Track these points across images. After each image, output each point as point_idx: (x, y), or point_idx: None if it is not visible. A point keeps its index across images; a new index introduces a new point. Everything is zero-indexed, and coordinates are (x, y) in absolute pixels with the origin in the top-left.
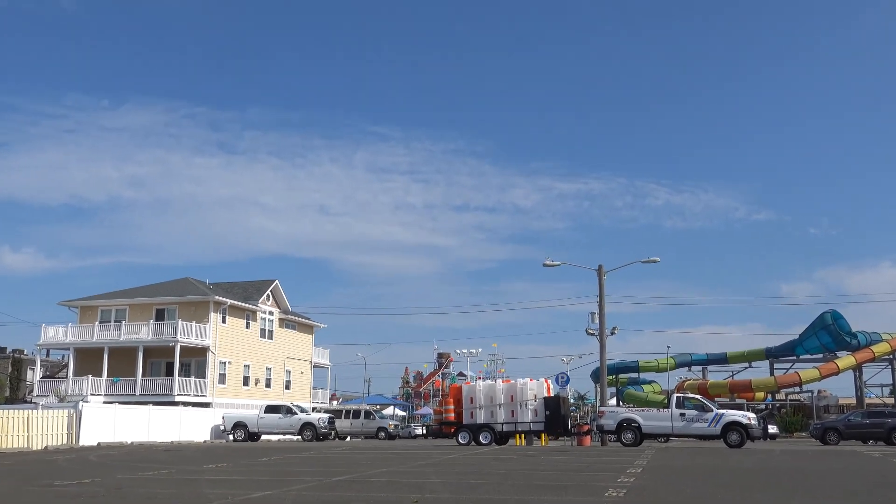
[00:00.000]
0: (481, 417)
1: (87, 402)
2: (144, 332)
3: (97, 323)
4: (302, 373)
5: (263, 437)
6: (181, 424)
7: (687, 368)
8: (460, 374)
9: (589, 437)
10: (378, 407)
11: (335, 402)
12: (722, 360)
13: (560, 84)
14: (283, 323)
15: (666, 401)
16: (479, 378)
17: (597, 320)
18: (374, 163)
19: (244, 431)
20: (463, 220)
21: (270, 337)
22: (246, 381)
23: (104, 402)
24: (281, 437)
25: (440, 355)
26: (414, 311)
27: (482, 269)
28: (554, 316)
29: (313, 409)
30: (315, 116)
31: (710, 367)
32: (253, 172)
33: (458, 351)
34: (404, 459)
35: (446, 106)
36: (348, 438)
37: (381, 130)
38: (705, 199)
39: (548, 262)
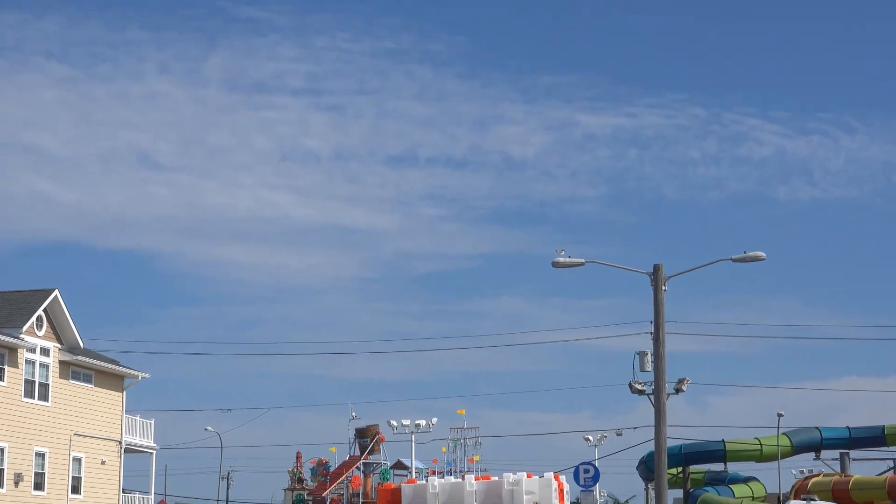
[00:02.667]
0: None
1: None
2: None
3: None
4: (104, 462)
5: None
6: None
7: (814, 455)
8: (398, 464)
9: None
10: None
11: None
12: (876, 439)
13: None
14: (69, 370)
15: None
16: (433, 473)
17: (650, 366)
18: (243, 74)
19: None
20: (407, 183)
21: (44, 396)
22: None
23: None
24: None
25: (362, 431)
26: (315, 351)
27: (442, 272)
28: (571, 358)
29: None
30: None
31: (853, 453)
32: (18, 90)
33: (393, 423)
34: None
35: None
36: None
37: (257, 14)
38: (851, 145)
39: (560, 260)
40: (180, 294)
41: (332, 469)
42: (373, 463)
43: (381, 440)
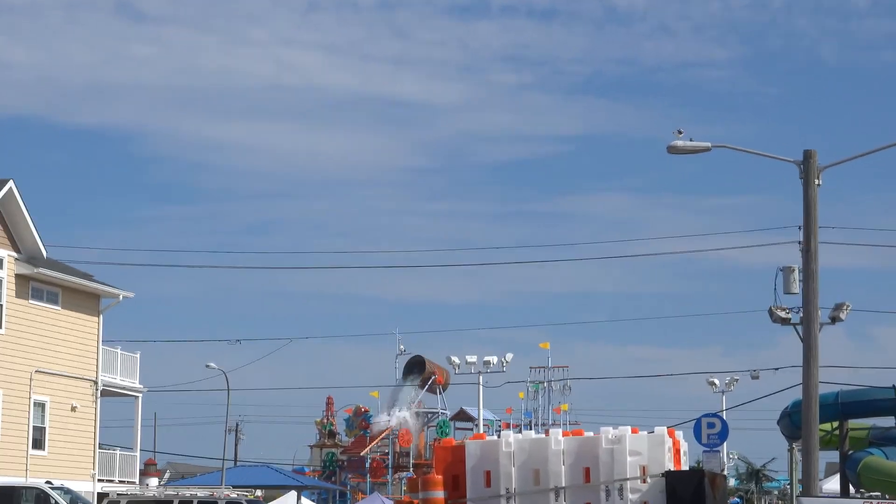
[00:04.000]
0: None
1: None
2: None
3: None
4: (74, 408)
5: None
6: None
7: None
8: (461, 415)
9: None
10: (256, 494)
11: (154, 482)
12: None
13: None
14: (28, 286)
15: None
16: (507, 426)
17: (797, 287)
18: None
19: None
20: (475, 40)
21: None
22: None
23: None
24: None
25: (412, 364)
26: (351, 264)
27: (521, 161)
28: (692, 276)
29: (100, 500)
30: None
31: None
32: None
33: (455, 360)
34: None
35: None
36: None
37: None
38: None
39: (679, 145)
40: (172, 188)
41: (373, 420)
42: (427, 412)
43: (439, 382)
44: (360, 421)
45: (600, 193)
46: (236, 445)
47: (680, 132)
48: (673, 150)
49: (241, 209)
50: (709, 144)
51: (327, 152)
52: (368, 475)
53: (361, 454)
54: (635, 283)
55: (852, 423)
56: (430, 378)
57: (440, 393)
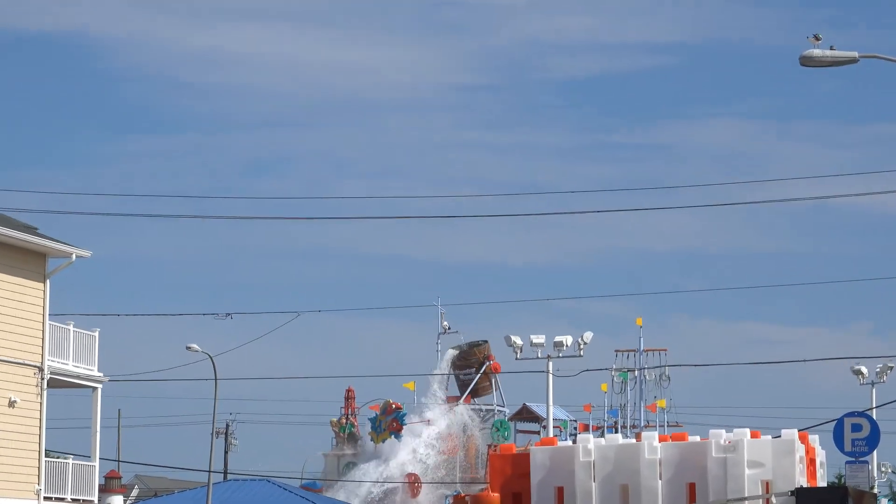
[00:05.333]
0: None
1: None
2: None
3: None
4: (13, 403)
5: None
6: None
7: None
8: (524, 413)
9: None
10: None
11: (118, 501)
12: None
13: None
14: None
15: None
16: (586, 428)
17: None
18: None
19: None
20: None
21: None
22: None
23: None
24: None
25: (461, 354)
26: (379, 214)
27: (606, 77)
28: (831, 227)
29: None
30: None
31: None
32: None
33: (516, 340)
34: None
35: None
36: None
37: None
38: None
39: (815, 54)
40: (144, 112)
41: (406, 420)
42: (480, 409)
43: (495, 369)
44: (391, 421)
45: (708, 120)
46: (226, 453)
47: (817, 38)
48: (807, 61)
49: (237, 142)
50: (855, 54)
51: (348, 65)
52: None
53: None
54: (754, 239)
55: None
56: (484, 364)
57: (496, 384)
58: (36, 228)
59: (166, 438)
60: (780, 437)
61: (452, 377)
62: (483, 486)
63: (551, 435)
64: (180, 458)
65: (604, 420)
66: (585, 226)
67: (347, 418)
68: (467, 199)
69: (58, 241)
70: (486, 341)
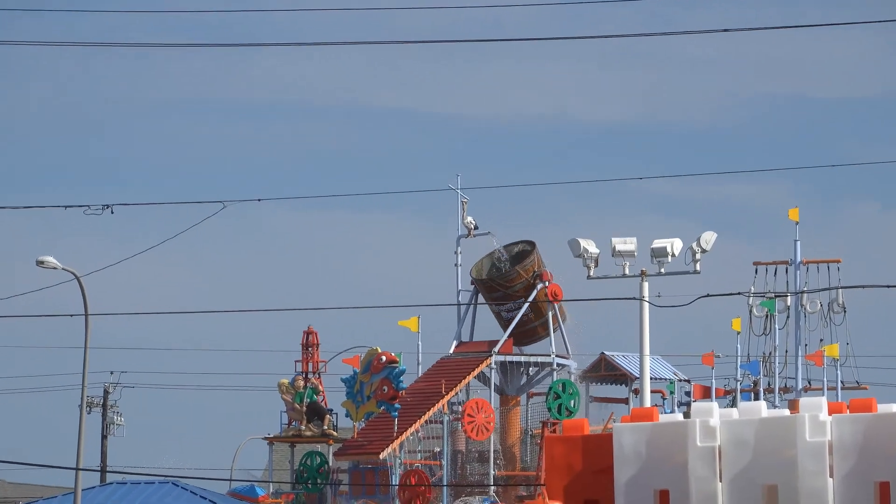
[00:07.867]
0: None
1: None
2: None
3: None
4: None
5: None
6: None
7: None
8: (600, 365)
9: None
10: None
11: None
12: None
13: None
14: None
15: None
16: (706, 392)
17: None
18: None
19: None
20: None
21: None
22: None
23: None
24: None
25: (499, 269)
26: (358, 39)
27: None
28: None
29: None
30: None
31: None
32: None
33: (588, 248)
34: None
35: None
36: None
37: None
38: None
39: None
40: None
41: (405, 382)
42: (527, 363)
43: (555, 295)
44: (379, 384)
45: None
46: (104, 439)
47: None
48: None
49: None
50: None
51: None
52: (398, 502)
53: (382, 457)
54: None
55: None
56: (535, 287)
57: (559, 321)
58: None
59: (12, 414)
60: None
61: (481, 311)
62: (531, 488)
63: (648, 404)
64: (34, 447)
65: (736, 379)
66: (695, 58)
67: (307, 379)
68: (509, 8)
69: None
70: (532, 245)
